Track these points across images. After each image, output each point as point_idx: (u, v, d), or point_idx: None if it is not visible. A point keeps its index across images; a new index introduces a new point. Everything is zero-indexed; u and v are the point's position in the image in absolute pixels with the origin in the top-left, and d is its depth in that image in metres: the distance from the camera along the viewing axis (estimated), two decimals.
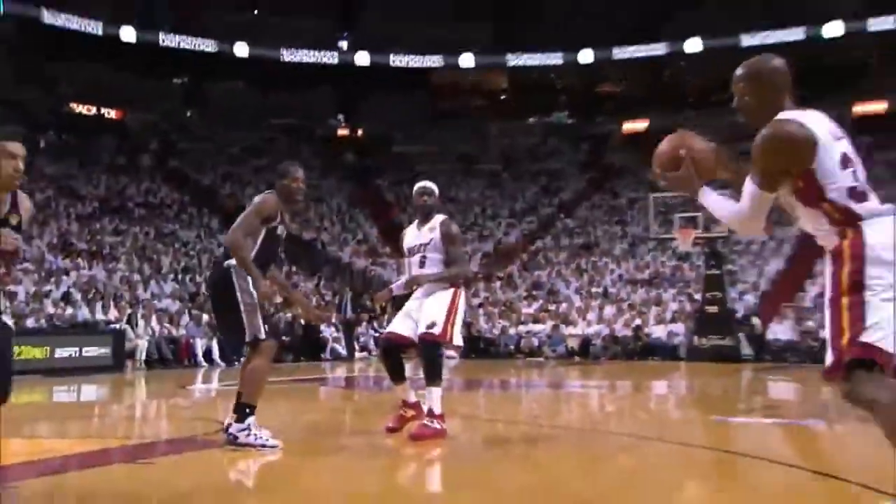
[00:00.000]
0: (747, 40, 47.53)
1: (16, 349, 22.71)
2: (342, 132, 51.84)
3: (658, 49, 50.24)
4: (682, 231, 32.12)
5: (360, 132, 51.88)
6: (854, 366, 3.87)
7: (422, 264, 9.31)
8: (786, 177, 4.18)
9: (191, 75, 50.03)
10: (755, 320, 32.11)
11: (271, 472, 7.27)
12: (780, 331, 31.63)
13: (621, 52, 50.66)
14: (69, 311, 26.53)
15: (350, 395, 18.19)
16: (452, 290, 9.23)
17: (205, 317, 28.27)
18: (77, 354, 24.05)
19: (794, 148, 4.09)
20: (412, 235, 9.59)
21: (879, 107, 48.53)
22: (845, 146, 4.22)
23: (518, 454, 8.56)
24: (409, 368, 9.74)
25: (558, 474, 7.34)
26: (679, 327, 32.14)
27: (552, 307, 35.41)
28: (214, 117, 48.09)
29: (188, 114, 48.52)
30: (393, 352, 9.49)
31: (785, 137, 4.09)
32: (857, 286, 3.98)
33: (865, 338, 3.88)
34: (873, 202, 4.21)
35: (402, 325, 9.32)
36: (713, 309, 30.55)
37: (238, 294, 6.99)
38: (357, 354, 31.64)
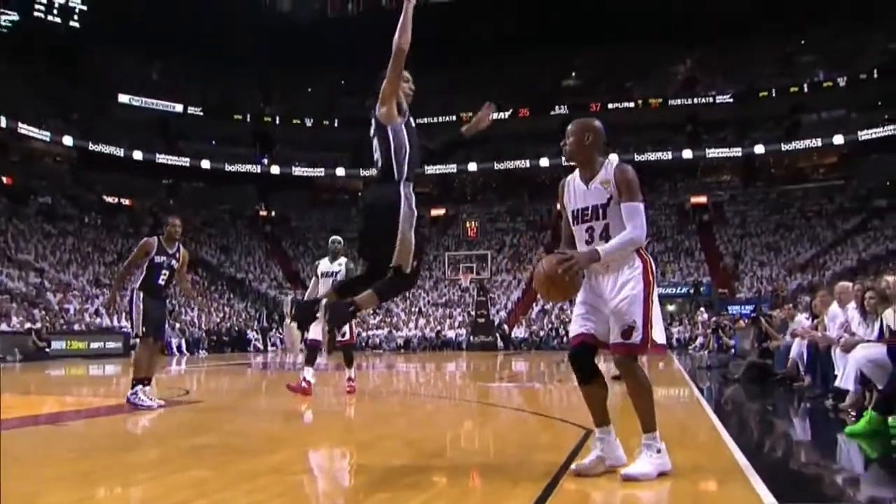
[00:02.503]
0: (498, 166, 53.13)
1: (67, 342, 25.38)
2: (262, 213, 54.40)
3: (451, 168, 54.03)
4: (464, 274, 37.11)
5: (272, 213, 54.49)
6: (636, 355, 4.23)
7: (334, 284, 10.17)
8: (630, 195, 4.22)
9: (174, 178, 52.37)
10: (505, 326, 35.84)
11: (209, 418, 7.43)
12: (518, 332, 35.79)
13: (429, 169, 52.71)
14: (98, 320, 29.04)
15: (264, 374, 18.23)
16: None
17: (177, 324, 30.24)
18: (103, 346, 26.39)
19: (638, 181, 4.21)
20: (326, 266, 10.42)
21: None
22: None
23: (365, 406, 9.29)
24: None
25: (387, 414, 8.41)
26: (462, 331, 35.78)
27: (388, 319, 38.59)
28: (186, 203, 49.99)
29: (171, 201, 50.03)
30: (313, 349, 10.15)
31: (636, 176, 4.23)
32: (651, 289, 4.23)
33: (658, 339, 4.25)
34: None
35: (318, 332, 9.61)
36: (481, 320, 34.29)
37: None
38: (270, 348, 33.93)
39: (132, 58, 52.53)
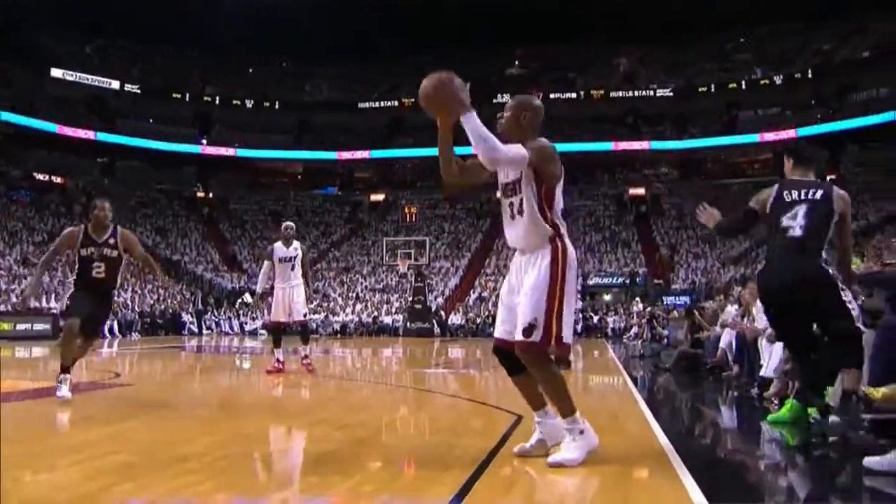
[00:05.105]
0: (433, 151, 55.97)
1: None
2: (200, 194, 53.86)
3: (393, 153, 54.72)
4: (402, 260, 37.00)
5: (210, 195, 53.91)
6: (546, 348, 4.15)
7: (293, 268, 10.79)
8: (545, 176, 4.22)
9: (108, 157, 51.28)
10: (442, 312, 36.39)
11: (139, 402, 7.21)
12: (455, 318, 36.25)
13: (371, 153, 54.89)
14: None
15: (199, 357, 18.12)
16: (304, 287, 10.94)
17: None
18: (30, 328, 26.34)
19: (557, 161, 4.23)
20: (282, 251, 10.88)
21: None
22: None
23: (299, 391, 9.33)
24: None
25: (322, 399, 8.39)
26: (399, 317, 36.08)
27: (325, 304, 38.60)
28: (121, 183, 49.84)
29: (105, 181, 49.47)
30: (278, 330, 11.07)
31: (554, 152, 4.23)
32: (563, 281, 4.15)
33: (566, 338, 4.17)
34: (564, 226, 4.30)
35: (282, 314, 10.92)
36: (419, 306, 34.61)
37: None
38: (205, 332, 33.97)
39: (67, 31, 51.47)
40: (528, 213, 4.30)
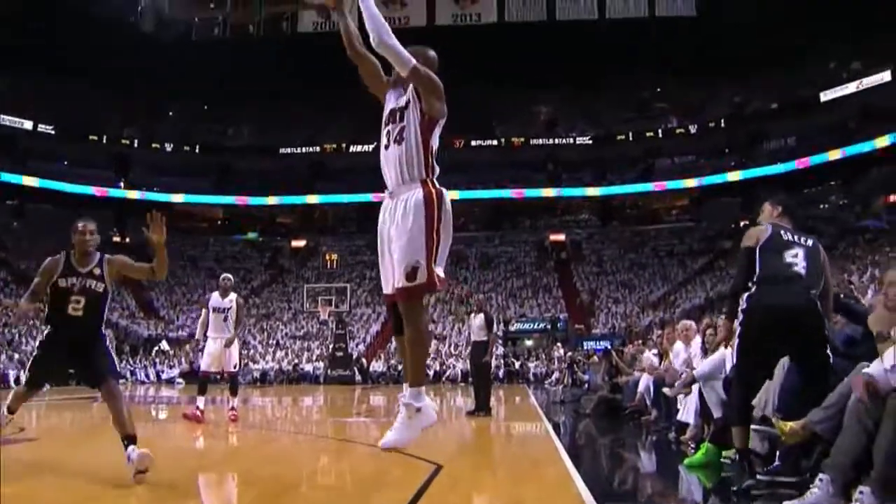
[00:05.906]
0: (359, 198, 49.63)
1: None
2: (116, 239, 50.85)
3: (313, 199, 54.50)
4: (323, 307, 36.36)
5: (127, 239, 50.73)
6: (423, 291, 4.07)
7: (225, 319, 11.00)
8: (427, 103, 4.28)
9: (19, 199, 49.66)
10: (363, 359, 35.87)
11: (46, 458, 7.05)
12: (377, 365, 35.54)
13: (291, 199, 54.63)
14: None
15: None
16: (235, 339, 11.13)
17: (16, 355, 29.64)
18: None
19: (442, 94, 4.28)
20: (217, 301, 11.13)
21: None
22: None
23: (216, 442, 9.34)
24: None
25: (238, 450, 8.37)
26: (320, 364, 35.54)
27: (244, 351, 35.63)
28: (34, 226, 47.76)
29: (15, 224, 48.31)
30: (205, 379, 11.26)
31: (441, 85, 4.25)
32: (440, 222, 4.14)
33: (440, 272, 4.11)
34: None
35: (212, 363, 11.11)
36: (340, 353, 33.96)
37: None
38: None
39: None
40: (406, 140, 4.32)
